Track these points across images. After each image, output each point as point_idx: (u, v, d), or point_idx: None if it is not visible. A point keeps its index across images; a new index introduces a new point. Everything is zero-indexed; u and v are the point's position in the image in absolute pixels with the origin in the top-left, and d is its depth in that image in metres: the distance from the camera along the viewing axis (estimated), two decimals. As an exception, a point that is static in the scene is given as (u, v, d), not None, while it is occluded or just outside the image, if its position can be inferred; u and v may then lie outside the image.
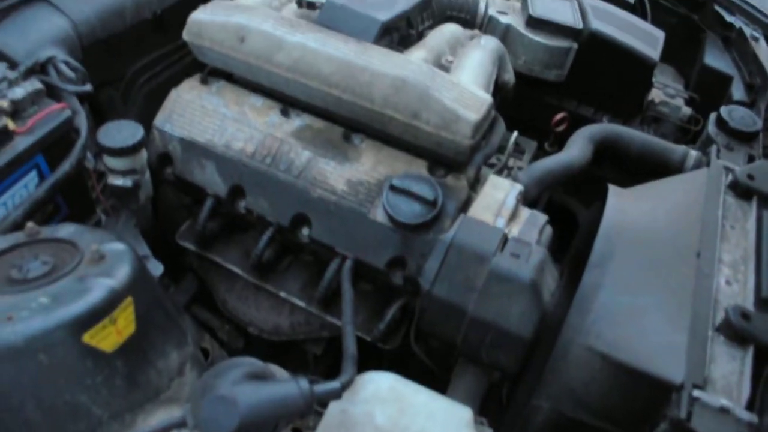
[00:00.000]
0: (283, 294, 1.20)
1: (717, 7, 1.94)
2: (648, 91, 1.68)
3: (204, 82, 1.26)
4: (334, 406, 0.80)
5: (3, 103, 0.93)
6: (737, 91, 1.73)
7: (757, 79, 1.69)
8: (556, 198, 1.66)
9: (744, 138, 1.36)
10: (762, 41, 1.83)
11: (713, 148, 1.34)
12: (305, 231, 1.14)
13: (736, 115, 1.40)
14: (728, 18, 1.90)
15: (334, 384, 0.77)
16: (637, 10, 1.99)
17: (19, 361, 0.72)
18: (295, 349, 1.33)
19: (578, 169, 1.35)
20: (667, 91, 1.75)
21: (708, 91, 1.77)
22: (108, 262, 0.81)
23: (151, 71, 1.36)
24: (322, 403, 0.79)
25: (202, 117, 1.21)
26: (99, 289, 0.77)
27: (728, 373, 0.92)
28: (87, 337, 0.74)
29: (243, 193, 1.17)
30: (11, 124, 0.93)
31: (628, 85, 1.64)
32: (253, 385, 0.72)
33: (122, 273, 0.80)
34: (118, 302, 0.78)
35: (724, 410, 0.86)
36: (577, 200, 1.71)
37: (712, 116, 1.42)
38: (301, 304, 1.19)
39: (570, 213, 1.70)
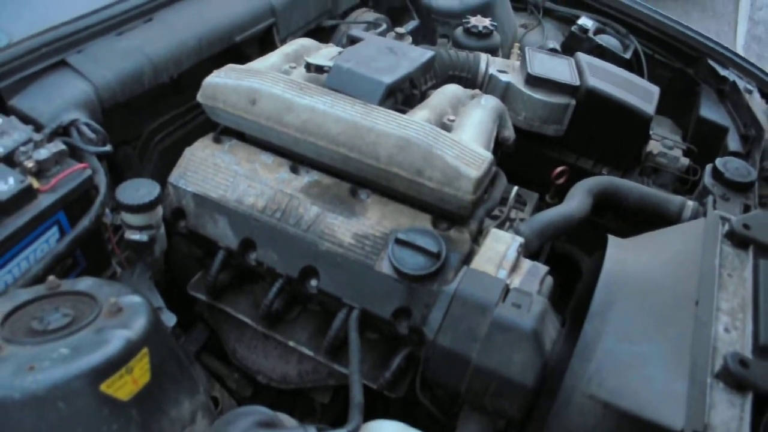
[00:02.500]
0: (291, 343, 1.23)
1: (711, 62, 2.00)
2: (645, 143, 1.71)
3: (217, 140, 1.32)
4: None
5: (29, 163, 0.99)
6: (733, 141, 1.77)
7: (751, 130, 1.74)
8: (558, 247, 1.68)
9: (739, 188, 1.39)
10: (755, 93, 1.88)
11: (710, 199, 1.37)
12: (313, 282, 1.18)
13: (731, 166, 1.43)
14: (722, 71, 1.95)
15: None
16: (634, 65, 2.05)
17: (40, 409, 0.75)
18: (303, 397, 1.36)
19: (578, 220, 1.37)
20: (665, 143, 1.78)
21: (704, 142, 1.81)
22: (125, 314, 0.85)
23: (166, 130, 1.42)
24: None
25: (215, 174, 1.27)
26: (117, 340, 0.80)
27: (728, 420, 0.93)
28: (104, 387, 0.78)
29: (254, 246, 1.22)
30: (36, 183, 0.98)
31: (625, 139, 1.67)
32: (266, 432, 0.76)
33: (138, 325, 0.84)
34: (134, 353, 0.81)
35: None
36: (579, 249, 1.74)
37: (708, 167, 1.44)
38: (309, 353, 1.22)
39: (572, 261, 1.73)
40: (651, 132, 1.78)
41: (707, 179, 1.44)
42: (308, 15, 1.70)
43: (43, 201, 0.98)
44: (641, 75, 1.98)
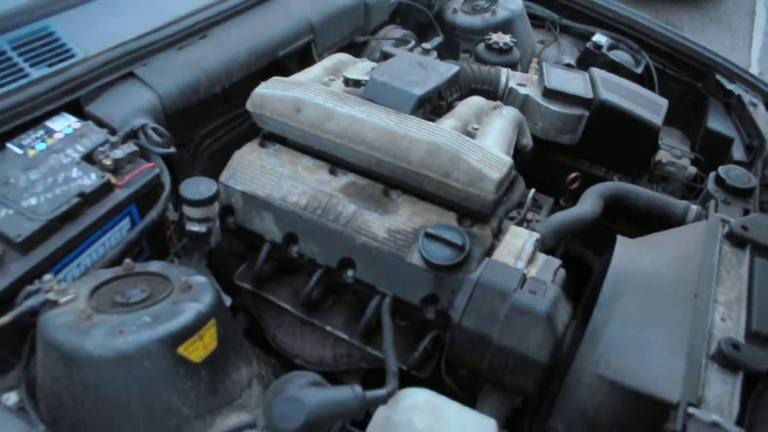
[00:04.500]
0: (328, 328, 1.36)
1: (718, 76, 2.09)
2: (654, 153, 1.81)
3: (262, 145, 1.46)
4: (379, 413, 0.95)
5: (107, 161, 1.13)
6: (737, 151, 1.87)
7: (755, 140, 1.84)
8: (572, 250, 1.78)
9: (740, 194, 1.48)
10: (761, 107, 1.97)
11: (712, 203, 1.46)
12: (350, 272, 1.31)
13: (733, 173, 1.52)
14: (728, 86, 2.04)
15: (382, 392, 0.92)
16: (645, 79, 2.14)
17: (129, 367, 0.88)
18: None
19: (590, 221, 1.48)
20: (674, 153, 1.87)
21: (711, 152, 1.90)
22: (195, 291, 0.99)
23: (215, 135, 1.55)
24: (369, 410, 0.94)
25: (262, 175, 1.40)
26: (190, 311, 0.94)
27: (720, 395, 1.02)
28: (181, 349, 0.91)
29: (296, 239, 1.35)
30: (113, 179, 1.12)
31: (635, 148, 1.76)
32: (317, 390, 0.88)
33: (207, 299, 0.98)
34: (204, 323, 0.95)
35: (715, 425, 0.95)
36: (592, 252, 1.84)
37: (712, 175, 1.54)
38: (345, 336, 1.35)
39: (585, 264, 1.83)
40: (661, 142, 1.87)
41: (710, 185, 1.53)
42: (342, 32, 1.82)
43: (119, 195, 1.12)
44: (652, 89, 2.07)
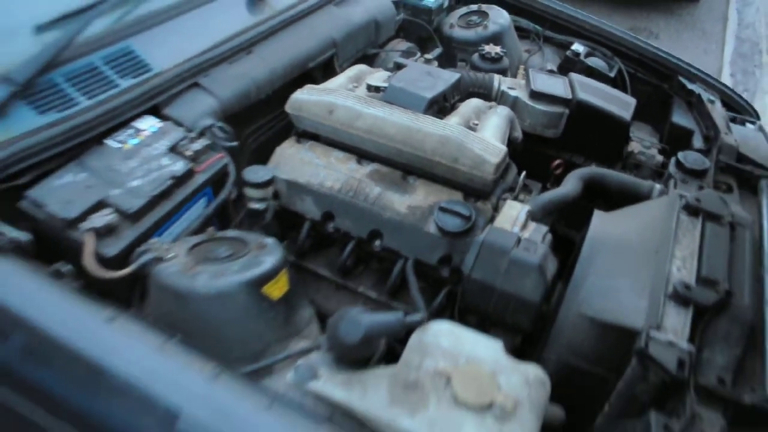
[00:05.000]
0: (360, 289, 1.63)
1: (681, 78, 2.29)
2: (625, 143, 2.02)
3: (298, 141, 1.74)
4: (413, 337, 1.23)
5: (188, 152, 1.41)
6: (697, 141, 2.06)
7: (711, 132, 2.03)
8: (559, 230, 2.02)
9: (695, 174, 1.72)
10: (717, 103, 2.16)
11: (672, 182, 1.69)
12: (378, 242, 1.57)
13: (690, 158, 1.75)
14: (689, 86, 2.25)
15: (418, 316, 1.21)
16: (618, 82, 2.33)
17: (227, 302, 1.15)
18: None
19: (572, 199, 1.71)
20: (644, 144, 2.06)
21: (675, 143, 2.08)
22: (268, 248, 1.27)
23: (257, 133, 1.81)
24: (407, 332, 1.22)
25: (301, 165, 1.67)
26: (269, 261, 1.21)
27: (675, 323, 1.24)
28: (265, 289, 1.20)
29: (332, 217, 1.61)
30: (194, 166, 1.42)
31: (608, 139, 2.00)
32: (370, 314, 1.17)
33: (278, 254, 1.25)
34: (279, 270, 1.22)
35: (671, 343, 1.17)
36: (576, 232, 2.10)
37: (673, 159, 1.76)
38: (374, 295, 1.62)
39: (571, 242, 2.09)
40: (632, 135, 2.09)
41: (671, 168, 1.75)
42: (358, 46, 2.08)
43: (199, 179, 1.40)
44: (625, 90, 2.25)
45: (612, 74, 2.33)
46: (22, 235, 1.16)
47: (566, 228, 2.05)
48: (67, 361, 1.03)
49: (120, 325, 1.05)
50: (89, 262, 1.18)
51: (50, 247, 1.23)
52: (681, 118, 2.21)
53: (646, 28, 5.86)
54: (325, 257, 1.71)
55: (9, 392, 1.06)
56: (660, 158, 2.06)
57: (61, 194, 1.27)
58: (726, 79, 4.99)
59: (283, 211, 1.67)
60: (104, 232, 1.23)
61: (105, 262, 1.21)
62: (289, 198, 1.66)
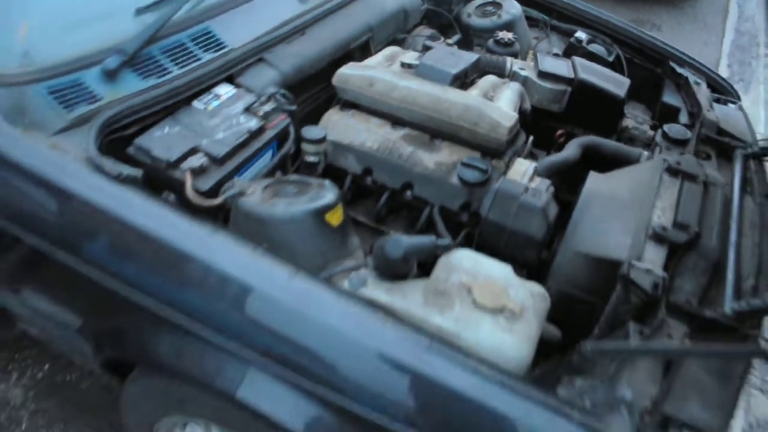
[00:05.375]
0: (392, 232, 1.96)
1: (672, 63, 2.55)
2: (621, 119, 2.30)
3: (342, 109, 2.07)
4: (441, 260, 1.53)
5: (259, 113, 1.72)
6: (683, 117, 2.33)
7: (695, 109, 2.30)
8: (561, 197, 2.29)
9: (678, 143, 1.98)
10: (703, 85, 2.41)
11: (657, 149, 1.95)
12: (409, 192, 1.88)
13: (674, 129, 2.03)
14: (679, 70, 2.50)
15: (446, 240, 1.53)
16: (617, 66, 2.57)
17: (298, 225, 1.45)
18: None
19: (572, 162, 1.95)
20: (637, 120, 2.32)
21: (665, 119, 2.25)
22: (327, 187, 1.58)
23: (306, 103, 2.14)
24: (438, 254, 1.54)
25: (345, 129, 1.98)
26: (329, 196, 1.49)
27: (653, 257, 1.47)
28: (327, 216, 1.51)
29: (371, 172, 1.91)
30: (264, 124, 1.74)
31: (605, 114, 2.23)
32: (408, 237, 1.49)
33: (335, 191, 1.52)
34: (336, 203, 1.52)
35: (648, 271, 1.39)
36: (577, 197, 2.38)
37: (659, 131, 2.03)
38: (405, 236, 1.95)
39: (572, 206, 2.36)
40: (627, 113, 2.36)
41: (658, 138, 2.05)
42: (390, 31, 2.37)
43: (269, 134, 1.71)
44: (622, 73, 2.48)
45: (610, 59, 2.54)
46: (134, 171, 1.48)
47: (568, 194, 2.36)
48: (171, 258, 1.35)
49: (218, 232, 1.37)
50: (190, 192, 1.50)
51: (152, 184, 1.54)
52: (670, 97, 2.43)
53: (649, 20, 6.08)
54: (364, 207, 2.01)
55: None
56: (651, 133, 2.29)
57: (162, 142, 1.59)
58: (723, 69, 5.22)
59: (329, 167, 1.99)
60: (198, 172, 1.55)
61: (199, 194, 1.53)
62: (334, 156, 1.97)
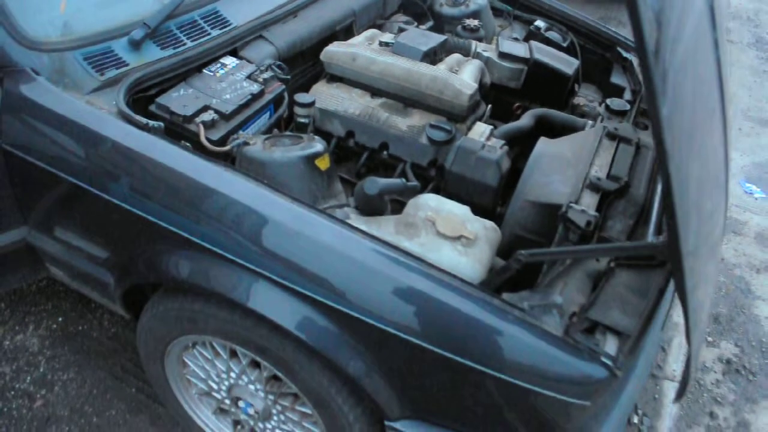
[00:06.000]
0: (372, 185, 2.29)
1: (619, 48, 2.83)
2: (572, 95, 2.60)
3: (329, 82, 2.39)
4: (411, 200, 1.86)
5: (259, 79, 2.03)
6: (627, 95, 2.61)
7: (637, 87, 2.60)
8: (519, 165, 2.65)
9: (618, 114, 2.26)
10: None
11: (599, 118, 2.24)
12: (385, 152, 2.22)
13: (615, 102, 2.30)
14: (625, 54, 2.78)
15: (415, 183, 1.87)
16: (571, 51, 2.83)
17: (293, 167, 1.76)
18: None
19: (526, 130, 2.22)
20: (588, 98, 2.63)
21: (612, 97, 2.56)
22: (317, 140, 1.91)
23: (296, 77, 2.47)
24: (407, 194, 1.87)
25: (330, 98, 2.29)
26: (318, 145, 1.83)
27: (588, 203, 1.73)
28: (317, 162, 1.84)
29: (353, 134, 2.24)
30: (264, 88, 2.06)
31: (556, 89, 2.51)
32: (383, 179, 1.82)
33: (324, 143, 1.87)
34: (324, 152, 1.85)
35: (583, 211, 1.65)
36: None
37: (603, 104, 2.41)
38: (382, 190, 2.28)
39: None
40: (579, 92, 2.73)
41: (601, 110, 2.37)
42: (370, 16, 2.68)
43: (267, 97, 2.03)
44: (575, 57, 2.79)
45: (565, 44, 2.78)
46: (157, 124, 1.79)
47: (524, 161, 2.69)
48: (191, 190, 1.66)
49: (228, 169, 1.70)
50: (204, 140, 1.82)
51: (171, 135, 1.85)
52: (617, 78, 2.68)
53: (616, 17, 6.43)
54: (346, 166, 2.34)
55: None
56: (600, 109, 2.63)
57: (179, 101, 1.90)
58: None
59: (316, 131, 2.31)
60: (209, 125, 1.87)
61: (210, 143, 1.86)
62: (321, 121, 2.30)
